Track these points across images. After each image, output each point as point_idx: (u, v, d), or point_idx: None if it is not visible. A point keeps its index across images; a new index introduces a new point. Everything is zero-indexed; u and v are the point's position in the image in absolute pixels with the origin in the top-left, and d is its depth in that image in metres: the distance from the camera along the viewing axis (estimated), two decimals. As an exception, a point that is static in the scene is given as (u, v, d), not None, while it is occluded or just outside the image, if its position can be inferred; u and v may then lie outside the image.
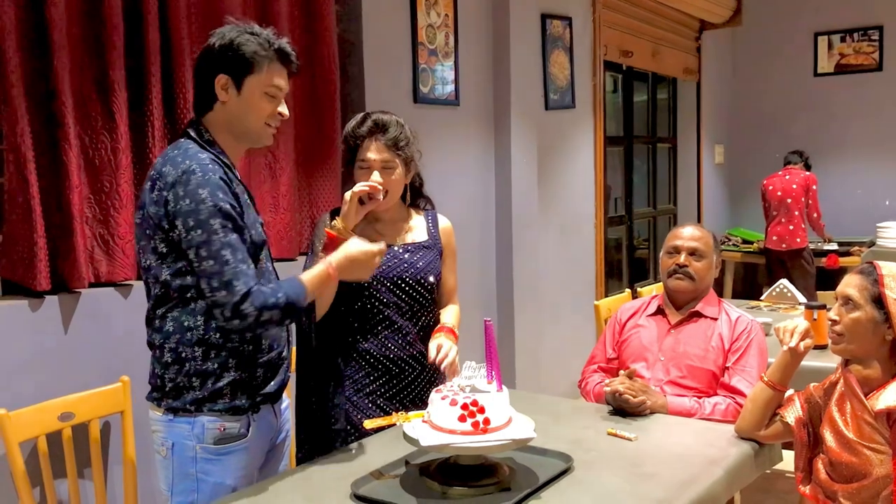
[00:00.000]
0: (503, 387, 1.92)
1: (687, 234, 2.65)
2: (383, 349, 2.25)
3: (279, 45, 1.91)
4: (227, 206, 1.77)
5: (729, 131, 7.33)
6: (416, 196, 2.41)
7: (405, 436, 1.84)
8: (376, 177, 2.21)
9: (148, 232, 1.80)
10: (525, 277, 4.26)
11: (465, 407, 1.83)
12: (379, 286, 2.24)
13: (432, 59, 3.70)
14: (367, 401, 2.25)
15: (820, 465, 1.99)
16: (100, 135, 2.41)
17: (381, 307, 2.25)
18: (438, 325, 2.35)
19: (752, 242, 6.90)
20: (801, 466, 2.04)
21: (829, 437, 1.96)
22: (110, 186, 2.43)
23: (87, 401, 2.30)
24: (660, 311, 2.67)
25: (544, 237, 4.54)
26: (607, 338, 2.74)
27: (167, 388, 1.87)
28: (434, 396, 1.88)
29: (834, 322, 1.96)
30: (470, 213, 4.04)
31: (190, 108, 2.54)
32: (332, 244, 2.06)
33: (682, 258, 2.61)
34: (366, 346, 2.25)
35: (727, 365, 2.49)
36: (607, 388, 2.37)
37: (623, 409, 2.33)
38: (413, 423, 1.89)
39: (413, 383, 2.30)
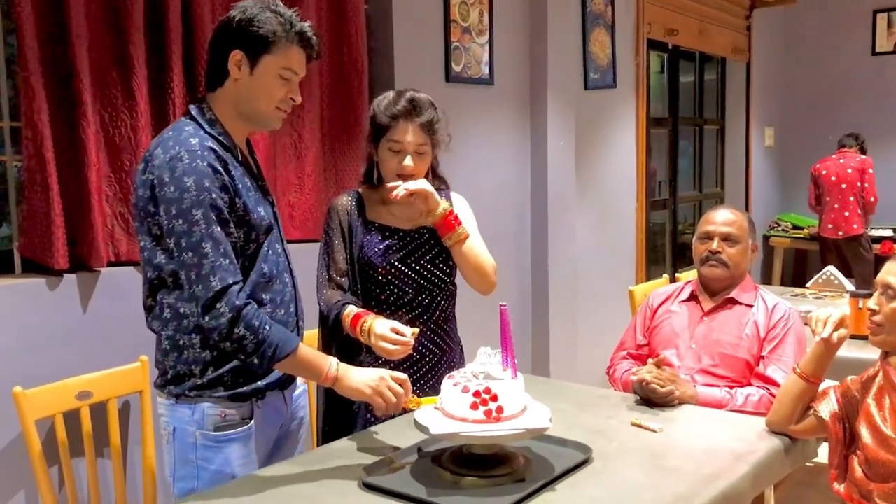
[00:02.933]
0: (518, 374, 1.84)
1: (720, 219, 2.53)
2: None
3: (301, 28, 1.83)
4: (212, 197, 1.71)
5: (780, 113, 7.09)
6: (432, 174, 2.30)
7: (416, 423, 1.78)
8: (408, 162, 2.13)
9: (141, 214, 1.76)
10: (561, 263, 4.16)
11: (477, 394, 1.76)
12: (397, 272, 2.18)
13: (466, 37, 3.61)
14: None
15: (855, 463, 1.87)
16: (120, 113, 2.39)
17: (401, 293, 2.19)
18: None
19: (802, 228, 6.68)
20: (835, 464, 1.92)
21: (865, 433, 1.84)
22: (130, 165, 2.40)
23: (105, 380, 2.29)
24: (693, 298, 2.57)
25: (582, 221, 4.43)
26: (637, 323, 2.65)
27: (169, 375, 1.84)
28: (446, 383, 1.82)
29: (873, 312, 1.84)
30: (504, 195, 3.95)
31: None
32: (353, 323, 2.01)
33: (715, 244, 2.50)
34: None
35: (762, 354, 2.38)
36: (634, 377, 2.28)
37: (650, 399, 2.24)
38: (424, 410, 1.83)
39: (434, 369, 2.24)
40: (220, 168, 1.74)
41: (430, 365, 2.22)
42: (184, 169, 1.69)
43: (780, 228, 6.83)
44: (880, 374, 1.87)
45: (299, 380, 2.05)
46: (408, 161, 2.13)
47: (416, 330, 1.99)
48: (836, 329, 1.88)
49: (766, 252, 6.85)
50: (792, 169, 7.13)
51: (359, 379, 1.80)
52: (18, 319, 2.22)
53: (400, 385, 1.81)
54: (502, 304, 1.93)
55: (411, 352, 1.99)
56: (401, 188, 2.08)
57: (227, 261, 1.71)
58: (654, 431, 2.04)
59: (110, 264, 2.39)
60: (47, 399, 2.17)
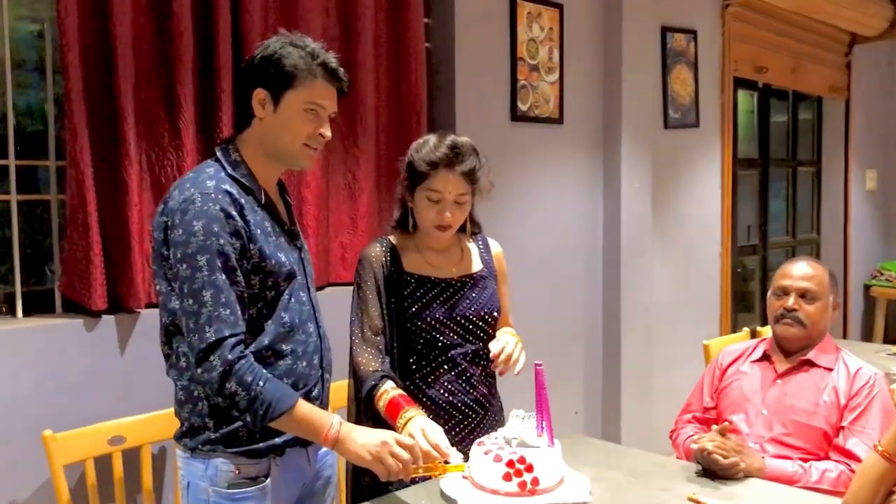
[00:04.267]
0: (555, 441, 1.68)
1: (797, 273, 2.31)
2: (446, 394, 2.03)
3: (324, 59, 1.76)
4: (220, 243, 1.63)
5: (884, 155, 6.66)
6: (469, 221, 2.17)
7: (442, 494, 1.64)
8: (446, 212, 2.00)
9: (158, 257, 1.70)
10: (635, 312, 3.94)
11: (511, 464, 1.62)
12: (442, 327, 2.04)
13: (533, 75, 3.48)
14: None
15: (946, 562, 1.62)
16: (166, 152, 2.36)
17: (445, 349, 2.05)
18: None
19: (907, 277, 6.22)
20: (923, 560, 1.67)
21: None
22: (174, 205, 2.36)
23: (139, 425, 2.22)
24: (766, 357, 2.34)
25: (659, 268, 4.20)
26: (705, 384, 2.44)
27: (185, 427, 1.76)
28: (476, 450, 1.67)
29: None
30: (574, 239, 3.79)
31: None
32: (391, 410, 1.85)
33: (792, 301, 2.28)
34: (428, 391, 2.03)
35: (842, 424, 2.14)
36: (695, 445, 2.07)
37: (712, 471, 2.02)
38: (452, 479, 1.68)
39: (477, 428, 2.08)
40: (234, 212, 1.66)
41: (473, 423, 2.07)
42: (195, 212, 1.63)
43: (882, 278, 6.37)
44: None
45: None
46: (447, 213, 2.00)
47: (462, 457, 1.76)
48: (922, 403, 1.65)
49: (866, 304, 6.40)
50: (896, 214, 6.68)
51: (360, 443, 1.67)
52: (55, 360, 2.19)
53: (407, 450, 1.66)
54: (537, 363, 1.77)
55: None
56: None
57: (228, 311, 1.62)
58: (712, 509, 1.84)
59: (149, 306, 2.34)
60: (78, 443, 2.12)
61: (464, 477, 1.67)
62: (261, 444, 1.75)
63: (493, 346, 1.97)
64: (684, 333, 4.42)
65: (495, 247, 2.23)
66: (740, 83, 5.12)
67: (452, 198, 2.00)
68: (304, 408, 1.67)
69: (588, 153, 3.82)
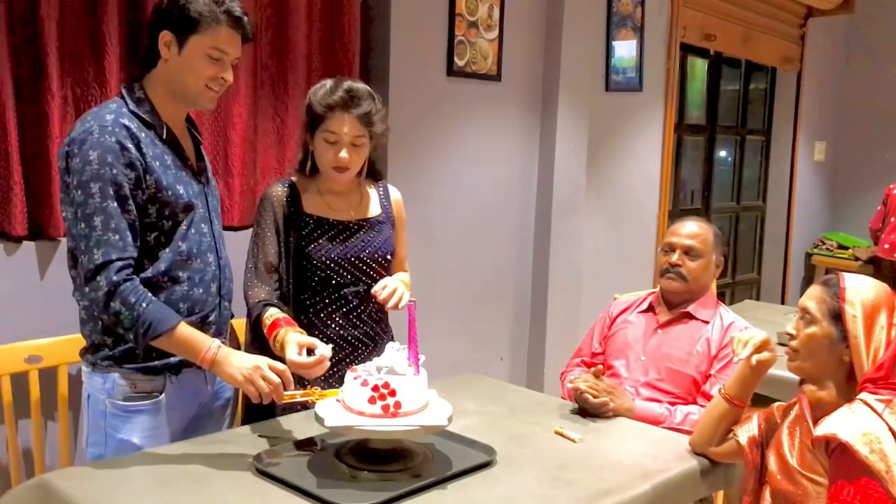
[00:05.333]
0: (421, 370, 1.83)
1: (684, 232, 2.46)
2: (338, 328, 2.18)
3: (228, 7, 1.86)
4: (113, 172, 1.74)
5: (835, 128, 6.81)
6: (370, 168, 2.28)
7: (315, 415, 1.78)
8: (344, 154, 2.10)
9: (63, 184, 1.82)
10: (564, 267, 4.09)
11: (375, 388, 1.76)
12: (336, 266, 2.17)
13: (472, 32, 3.57)
14: (318, 378, 2.20)
15: (766, 492, 1.79)
16: (90, 88, 2.45)
17: (338, 287, 2.18)
18: None
19: (847, 248, 6.41)
20: (748, 490, 1.85)
21: (772, 461, 1.76)
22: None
23: (56, 346, 2.34)
24: (651, 309, 2.50)
25: (592, 227, 4.34)
26: (596, 331, 2.59)
27: (87, 344, 1.90)
28: (348, 376, 1.81)
29: (790, 336, 1.76)
30: (507, 194, 3.91)
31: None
32: (269, 331, 1.97)
33: (676, 257, 2.43)
34: (320, 326, 2.18)
35: (710, 372, 2.30)
36: (570, 385, 2.24)
37: (586, 409, 2.19)
38: (327, 402, 1.83)
39: (367, 360, 2.22)
40: (131, 145, 1.77)
41: (364, 356, 2.21)
42: (91, 143, 1.74)
43: (824, 247, 6.57)
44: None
45: None
46: (343, 153, 2.11)
47: (330, 347, 1.92)
48: (757, 352, 1.80)
49: (807, 270, 6.60)
50: (843, 186, 6.84)
51: (235, 365, 1.79)
52: (-25, 282, 2.31)
53: (279, 374, 1.79)
54: (411, 300, 1.90)
55: (328, 363, 1.90)
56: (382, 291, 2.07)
57: (117, 237, 1.74)
58: (574, 441, 2.00)
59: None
60: (-6, 360, 2.25)
61: (337, 400, 1.82)
62: (156, 363, 1.89)
63: (377, 286, 2.09)
64: (618, 291, 4.57)
65: (395, 194, 2.34)
66: (693, 50, 5.23)
67: (349, 140, 2.09)
68: (184, 330, 1.80)
69: (525, 111, 3.92)
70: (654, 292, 2.56)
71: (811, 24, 6.11)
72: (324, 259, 2.15)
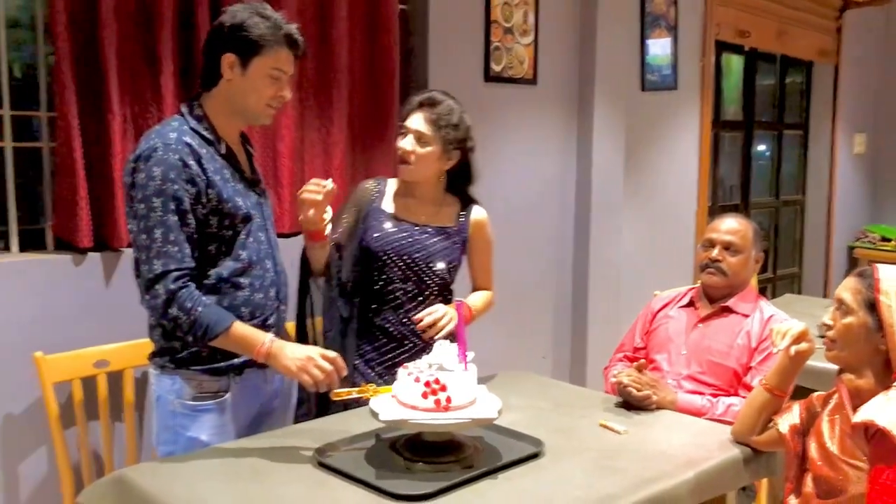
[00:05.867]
0: (470, 366, 1.91)
1: (724, 228, 2.51)
2: (384, 322, 2.30)
3: (288, 30, 1.99)
4: (175, 188, 1.86)
5: (874, 119, 6.75)
6: (460, 187, 2.42)
7: (370, 410, 1.87)
8: (405, 142, 2.28)
9: (127, 198, 1.93)
10: (604, 265, 4.15)
11: (427, 384, 1.84)
12: (388, 261, 2.29)
13: (508, 37, 3.66)
14: (366, 367, 2.31)
15: (808, 478, 1.85)
16: (148, 106, 2.57)
17: (387, 281, 2.30)
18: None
19: (891, 240, 6.36)
20: (791, 477, 1.90)
21: (813, 448, 1.82)
22: (155, 154, 2.59)
23: (121, 350, 2.48)
24: (692, 304, 2.55)
25: (632, 226, 4.39)
26: (638, 326, 2.66)
27: (155, 348, 2.01)
28: (401, 372, 1.90)
29: (827, 327, 1.81)
30: (546, 195, 3.98)
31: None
32: (309, 236, 2.16)
33: (716, 252, 2.48)
34: (369, 315, 2.32)
35: (751, 364, 2.35)
36: (614, 379, 2.30)
37: (629, 402, 2.26)
38: (381, 398, 1.92)
39: (419, 355, 2.32)
40: (192, 162, 1.89)
41: (414, 351, 2.30)
42: (155, 160, 1.86)
43: (867, 240, 6.52)
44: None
45: None
46: (405, 144, 2.27)
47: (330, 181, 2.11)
48: (795, 342, 1.86)
49: (849, 264, 6.56)
50: (886, 178, 6.79)
51: (289, 356, 1.91)
52: (46, 291, 2.44)
53: (330, 362, 1.90)
54: (458, 300, 1.99)
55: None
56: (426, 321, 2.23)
57: (176, 248, 1.86)
58: (619, 433, 2.07)
59: (131, 245, 2.58)
60: (66, 365, 2.38)
61: (391, 396, 1.91)
62: (221, 364, 2.00)
63: (422, 313, 2.25)
64: (658, 287, 4.62)
65: (478, 214, 2.45)
66: (728, 47, 5.25)
67: (414, 135, 2.27)
68: (239, 328, 1.91)
69: (562, 113, 3.99)
70: (694, 287, 2.62)
71: (847, 16, 6.09)
72: (378, 251, 2.29)
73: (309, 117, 3.02)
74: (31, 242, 2.57)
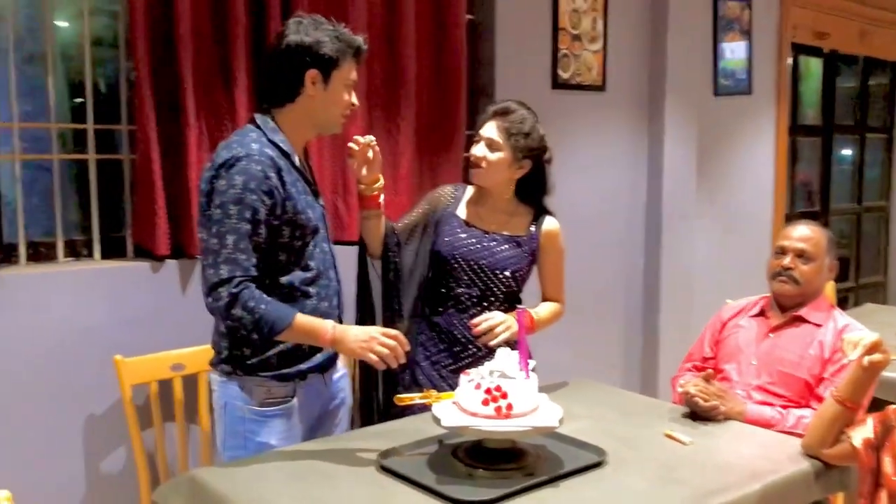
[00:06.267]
0: (532, 374, 1.92)
1: (796, 235, 2.45)
2: (447, 325, 2.34)
3: (358, 44, 2.07)
4: (253, 198, 1.90)
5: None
6: (534, 196, 2.44)
7: (433, 416, 1.90)
8: (477, 149, 2.33)
9: (202, 208, 1.98)
10: (676, 273, 4.09)
11: (488, 391, 1.86)
12: (454, 263, 2.33)
13: (576, 45, 3.65)
14: (432, 369, 2.35)
15: (883, 494, 1.79)
16: (223, 119, 2.66)
17: (454, 285, 2.34)
18: None
19: (982, 248, 6.08)
20: (865, 493, 1.84)
21: (888, 463, 1.76)
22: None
23: (197, 354, 2.55)
24: (762, 313, 2.50)
25: (705, 233, 4.32)
26: (706, 336, 2.61)
27: (223, 355, 2.06)
28: (463, 379, 1.92)
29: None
30: (616, 202, 3.95)
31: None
32: (363, 202, 2.26)
33: (788, 260, 2.42)
34: (436, 318, 2.37)
35: (823, 375, 2.28)
36: (680, 389, 2.27)
37: (697, 412, 2.22)
38: (443, 404, 1.94)
39: (482, 360, 2.34)
40: (273, 174, 1.94)
41: (478, 356, 2.32)
42: (238, 168, 1.91)
43: (956, 248, 6.25)
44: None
45: (339, 364, 2.23)
46: (476, 150, 2.32)
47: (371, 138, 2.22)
48: (868, 353, 1.81)
49: (940, 273, 6.30)
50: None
51: (353, 339, 1.94)
52: (126, 297, 2.55)
53: (392, 338, 1.94)
54: (520, 308, 2.00)
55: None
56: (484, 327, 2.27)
57: (244, 256, 1.90)
58: (684, 444, 2.04)
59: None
60: (144, 367, 2.48)
61: (453, 402, 1.93)
62: (288, 370, 2.05)
63: (479, 318, 2.28)
64: (732, 296, 4.52)
65: (550, 224, 2.45)
66: (805, 49, 5.12)
67: (486, 141, 2.32)
68: (303, 320, 1.95)
69: (632, 119, 3.96)
70: (765, 296, 2.56)
71: (937, 15, 5.85)
72: (445, 255, 2.34)
73: (377, 127, 3.07)
74: (113, 250, 2.68)
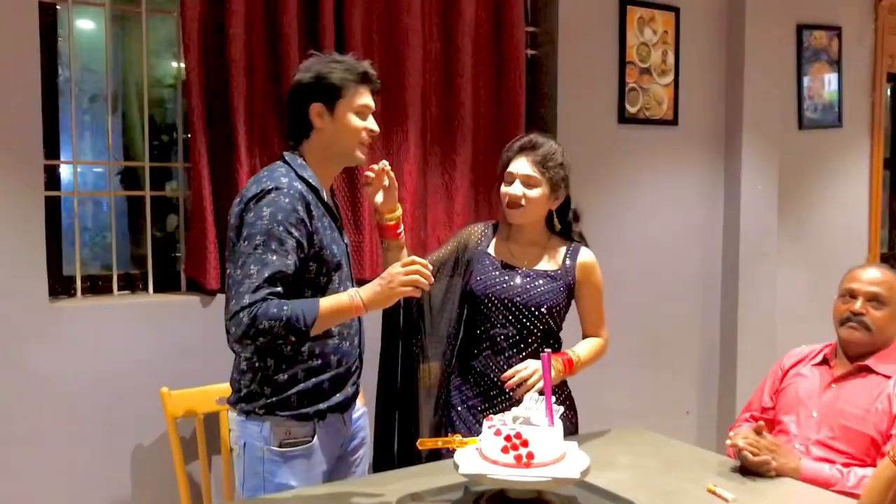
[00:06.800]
0: (556, 421, 1.83)
1: (867, 278, 2.28)
2: (483, 367, 2.28)
3: (362, 69, 2.05)
4: (280, 230, 1.89)
5: None
6: (566, 227, 2.39)
7: (454, 461, 1.84)
8: (513, 188, 2.27)
9: (231, 243, 1.99)
10: (755, 317, 3.87)
11: (508, 438, 1.78)
12: (488, 303, 2.27)
13: (644, 78, 3.55)
14: (469, 413, 2.29)
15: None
16: (274, 157, 2.66)
17: (489, 326, 2.28)
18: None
19: None
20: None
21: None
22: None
23: (243, 389, 2.59)
24: (826, 361, 2.33)
25: (789, 275, 4.08)
26: (767, 385, 2.46)
27: (242, 393, 2.04)
28: (485, 425, 1.85)
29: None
30: (690, 240, 3.80)
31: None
32: (382, 233, 2.24)
33: (859, 305, 2.26)
34: (472, 362, 2.31)
35: (892, 432, 2.10)
36: (728, 442, 2.13)
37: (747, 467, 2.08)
38: (466, 450, 1.88)
39: (514, 407, 2.27)
40: (301, 207, 1.94)
41: (512, 403, 2.24)
42: (269, 201, 1.92)
43: None
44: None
45: (358, 402, 2.20)
46: (514, 189, 2.25)
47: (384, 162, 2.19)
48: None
49: None
50: None
51: (379, 292, 1.92)
52: (176, 330, 2.61)
53: (410, 265, 1.92)
54: (544, 352, 1.92)
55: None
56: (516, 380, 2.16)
57: (267, 285, 1.87)
58: (726, 501, 1.90)
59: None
60: (190, 400, 2.51)
61: (476, 448, 1.86)
62: (308, 409, 2.02)
63: (511, 370, 2.18)
64: (820, 342, 4.26)
65: (585, 256, 2.37)
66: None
67: (521, 178, 2.26)
68: (327, 303, 1.92)
69: (706, 154, 3.81)
70: (829, 344, 2.39)
71: None
72: (479, 294, 2.29)
73: (432, 163, 3.06)
74: (168, 284, 2.75)
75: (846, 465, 2.10)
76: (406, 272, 1.92)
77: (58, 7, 2.52)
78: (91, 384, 2.49)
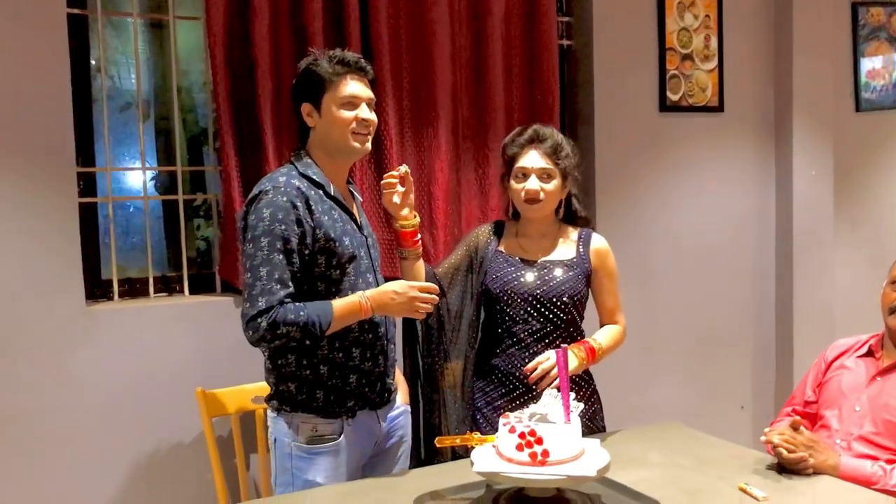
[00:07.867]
0: (573, 418, 1.79)
1: (916, 265, 2.16)
2: (508, 364, 2.24)
3: (344, 58, 2.04)
4: (282, 228, 1.91)
5: None
6: (571, 213, 2.35)
7: (470, 459, 1.81)
8: (529, 183, 2.22)
9: (241, 243, 2.02)
10: (812, 307, 3.72)
11: (522, 436, 1.75)
12: (508, 300, 2.24)
13: (686, 64, 3.45)
14: (495, 414, 2.25)
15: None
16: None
17: (511, 324, 2.24)
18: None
19: None
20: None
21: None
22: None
23: (277, 388, 2.61)
24: (871, 353, 2.22)
25: (847, 262, 3.91)
26: (810, 377, 2.36)
27: (271, 391, 2.08)
28: (501, 422, 1.82)
29: None
30: (739, 230, 3.68)
31: (387, 137, 2.77)
32: (399, 240, 2.21)
33: None
34: (495, 360, 2.27)
35: (939, 428, 1.98)
36: (763, 438, 2.05)
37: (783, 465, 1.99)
38: (484, 448, 1.85)
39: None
40: (300, 204, 1.95)
41: (538, 396, 2.21)
42: (266, 202, 1.94)
43: None
44: None
45: (398, 400, 2.19)
46: (531, 184, 2.21)
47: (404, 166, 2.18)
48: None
49: None
50: None
51: (394, 304, 1.99)
52: (211, 331, 2.65)
53: (422, 290, 2.00)
54: (561, 346, 1.87)
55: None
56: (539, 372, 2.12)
57: (279, 286, 1.90)
58: (758, 500, 1.83)
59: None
60: (224, 400, 2.54)
61: (493, 446, 1.83)
62: (335, 407, 2.03)
63: (532, 363, 2.14)
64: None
65: (597, 242, 2.33)
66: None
67: (537, 172, 2.22)
68: (339, 305, 1.96)
69: (755, 141, 3.68)
70: (876, 334, 2.27)
71: None
72: (498, 291, 2.25)
73: (465, 159, 3.03)
74: (204, 285, 2.79)
75: (889, 461, 1.99)
76: (422, 299, 1.98)
77: (88, 17, 2.58)
78: (128, 385, 2.55)
